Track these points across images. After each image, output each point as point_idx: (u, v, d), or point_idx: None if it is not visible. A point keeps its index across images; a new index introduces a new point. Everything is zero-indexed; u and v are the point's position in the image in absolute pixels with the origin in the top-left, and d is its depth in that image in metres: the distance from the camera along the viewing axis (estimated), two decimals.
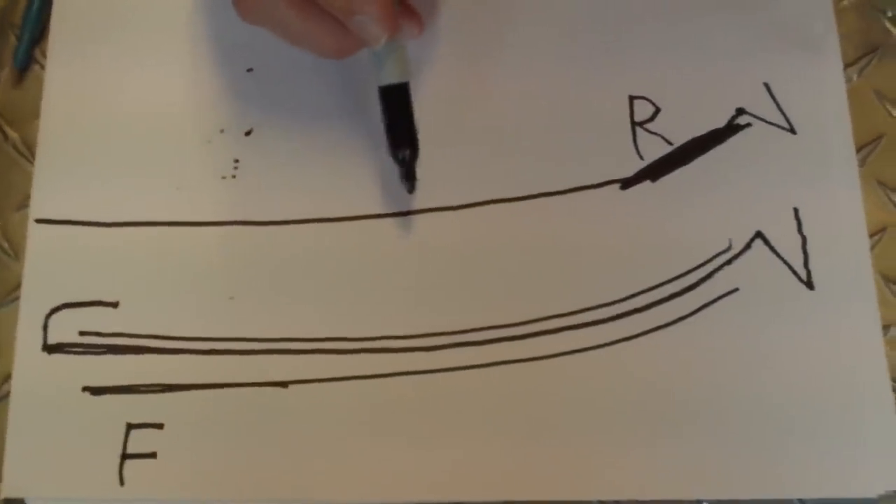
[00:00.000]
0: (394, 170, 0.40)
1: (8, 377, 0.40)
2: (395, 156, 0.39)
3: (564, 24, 0.44)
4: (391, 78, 0.39)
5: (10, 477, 0.39)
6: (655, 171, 0.42)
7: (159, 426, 0.39)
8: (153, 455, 0.39)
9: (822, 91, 0.43)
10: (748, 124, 0.42)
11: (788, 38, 0.43)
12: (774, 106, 0.42)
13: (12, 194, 0.42)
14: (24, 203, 0.42)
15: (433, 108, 0.42)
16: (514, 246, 0.41)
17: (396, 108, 0.39)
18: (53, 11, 0.44)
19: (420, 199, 0.41)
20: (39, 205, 0.41)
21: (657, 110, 0.42)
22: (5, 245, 0.42)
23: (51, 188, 0.42)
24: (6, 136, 0.43)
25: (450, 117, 0.42)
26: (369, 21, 0.35)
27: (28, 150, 0.43)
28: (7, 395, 0.40)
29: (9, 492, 0.39)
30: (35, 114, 0.43)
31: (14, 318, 0.40)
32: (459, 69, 0.43)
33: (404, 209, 0.41)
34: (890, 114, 0.43)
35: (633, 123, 0.42)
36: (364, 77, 0.42)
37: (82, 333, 0.40)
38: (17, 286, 0.41)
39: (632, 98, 0.43)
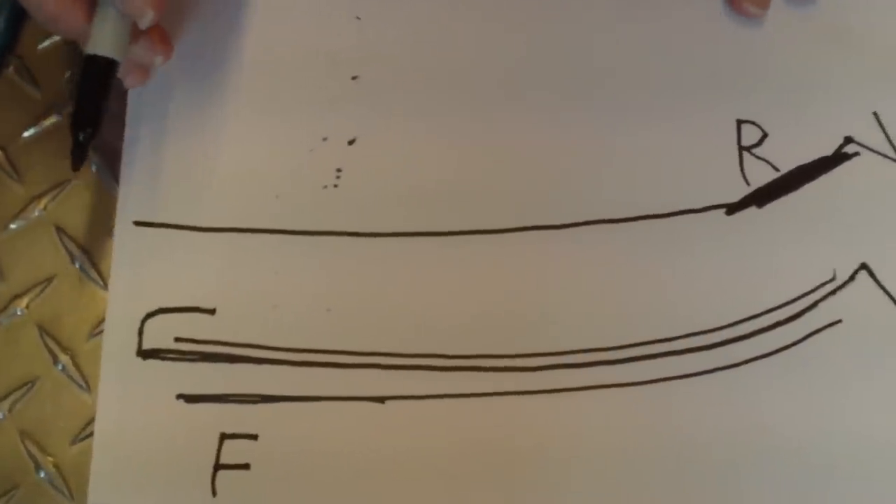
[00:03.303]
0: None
1: (8, 393, 0.39)
2: (75, 132, 0.37)
3: (673, 47, 0.43)
4: (104, 49, 0.36)
5: (98, 483, 0.38)
6: (762, 196, 0.41)
7: (253, 437, 0.38)
8: (246, 466, 0.38)
9: None
10: (856, 153, 0.42)
11: None
12: (883, 136, 0.42)
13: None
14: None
15: (543, 131, 0.42)
16: (617, 267, 0.40)
17: (97, 83, 0.37)
18: None
19: (526, 217, 0.41)
20: (135, 206, 0.41)
21: (764, 135, 0.42)
22: None
23: (147, 190, 0.41)
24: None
25: (559, 137, 0.42)
26: None
27: (11, 166, 0.42)
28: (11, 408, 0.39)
29: (96, 499, 0.38)
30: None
31: (12, 332, 0.40)
32: (578, 93, 0.42)
33: (508, 226, 0.40)
34: None
35: (741, 148, 0.42)
36: (475, 89, 0.42)
37: (178, 340, 0.39)
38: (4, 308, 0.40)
39: (739, 122, 0.42)
